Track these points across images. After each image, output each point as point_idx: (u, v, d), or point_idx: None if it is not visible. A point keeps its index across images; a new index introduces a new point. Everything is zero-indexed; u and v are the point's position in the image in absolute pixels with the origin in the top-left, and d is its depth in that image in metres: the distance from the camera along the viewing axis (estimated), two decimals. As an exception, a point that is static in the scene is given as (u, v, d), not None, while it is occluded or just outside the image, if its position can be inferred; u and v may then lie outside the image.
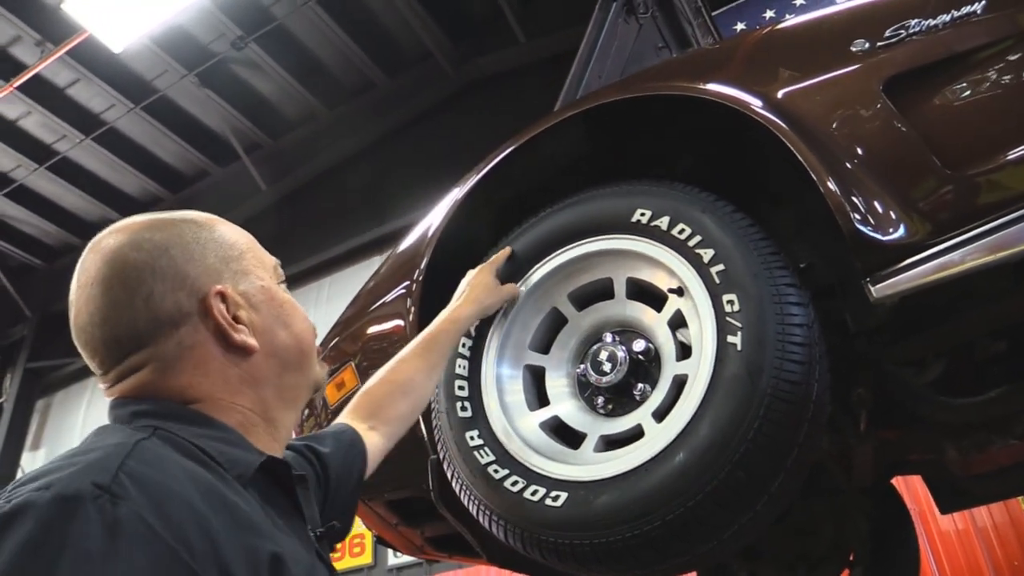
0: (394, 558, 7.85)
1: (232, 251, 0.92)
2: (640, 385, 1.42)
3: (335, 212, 9.94)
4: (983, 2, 1.27)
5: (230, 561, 0.66)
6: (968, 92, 1.25)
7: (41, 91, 9.09)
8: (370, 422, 1.30)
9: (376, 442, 1.27)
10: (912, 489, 4.24)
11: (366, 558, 8.10)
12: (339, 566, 7.70)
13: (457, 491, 1.47)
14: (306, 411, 2.08)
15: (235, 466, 0.78)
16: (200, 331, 0.85)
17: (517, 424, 1.46)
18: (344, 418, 1.31)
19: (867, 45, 1.32)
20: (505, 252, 1.58)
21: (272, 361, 0.91)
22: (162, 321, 0.84)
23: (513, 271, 1.57)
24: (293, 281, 9.97)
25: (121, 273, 0.84)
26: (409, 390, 1.36)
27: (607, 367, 1.44)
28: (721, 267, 1.30)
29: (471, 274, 1.56)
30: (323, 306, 9.50)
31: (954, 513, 4.33)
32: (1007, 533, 4.65)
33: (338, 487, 1.13)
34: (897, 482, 2.74)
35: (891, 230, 1.19)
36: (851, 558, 2.50)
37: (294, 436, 1.05)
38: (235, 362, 0.87)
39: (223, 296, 0.87)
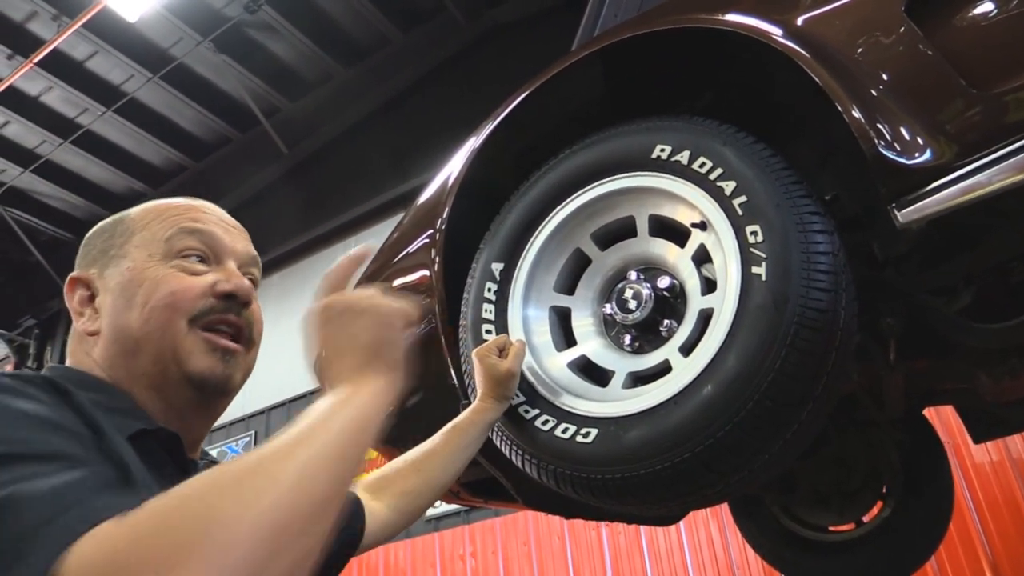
0: (432, 508, 7.94)
1: (118, 238, 0.96)
2: (666, 321, 1.42)
3: (357, 171, 9.92)
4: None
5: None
6: (992, 8, 1.22)
7: (60, 66, 9.14)
8: (376, 495, 1.30)
9: (378, 509, 1.28)
10: (945, 421, 4.22)
11: (405, 510, 8.20)
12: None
13: (490, 434, 1.49)
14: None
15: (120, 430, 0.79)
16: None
17: (545, 364, 1.47)
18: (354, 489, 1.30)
19: (887, -35, 1.28)
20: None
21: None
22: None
23: (536, 215, 1.57)
24: (319, 242, 10.06)
25: None
26: (422, 468, 1.35)
27: (632, 305, 1.44)
28: (743, 199, 1.28)
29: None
30: (351, 266, 9.52)
31: (988, 443, 4.32)
32: (1043, 463, 4.61)
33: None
34: (929, 413, 2.73)
35: (917, 154, 1.16)
36: (884, 490, 2.51)
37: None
38: (95, 344, 0.92)
39: (85, 283, 0.95)
